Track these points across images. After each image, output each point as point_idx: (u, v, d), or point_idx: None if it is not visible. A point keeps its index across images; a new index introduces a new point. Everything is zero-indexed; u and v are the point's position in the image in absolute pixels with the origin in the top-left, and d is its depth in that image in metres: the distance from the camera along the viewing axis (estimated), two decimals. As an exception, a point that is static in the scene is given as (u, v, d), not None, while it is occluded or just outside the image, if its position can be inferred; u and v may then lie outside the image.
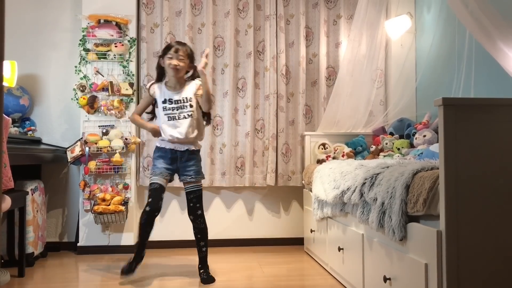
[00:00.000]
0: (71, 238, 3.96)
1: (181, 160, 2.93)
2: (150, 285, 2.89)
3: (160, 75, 2.99)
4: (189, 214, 2.95)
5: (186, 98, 2.91)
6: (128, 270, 2.88)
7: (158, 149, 2.98)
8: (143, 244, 2.94)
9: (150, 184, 2.92)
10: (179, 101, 2.91)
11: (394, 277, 2.08)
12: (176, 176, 3.01)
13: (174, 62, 2.86)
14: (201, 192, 2.96)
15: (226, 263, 3.41)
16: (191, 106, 2.90)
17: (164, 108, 2.92)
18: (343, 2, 4.14)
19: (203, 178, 3.02)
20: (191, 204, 2.93)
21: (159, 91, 2.96)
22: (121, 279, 2.90)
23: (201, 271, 2.97)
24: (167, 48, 2.92)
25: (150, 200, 2.87)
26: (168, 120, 2.90)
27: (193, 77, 2.98)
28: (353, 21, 3.92)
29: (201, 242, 2.97)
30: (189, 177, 2.92)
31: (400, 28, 3.94)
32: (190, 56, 2.95)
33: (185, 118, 2.89)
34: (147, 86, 3.05)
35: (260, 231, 4.11)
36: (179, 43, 2.99)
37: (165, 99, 2.92)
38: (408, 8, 4.01)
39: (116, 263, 3.32)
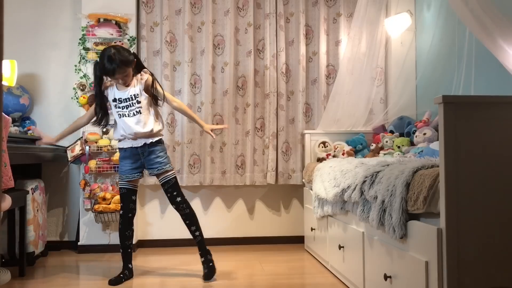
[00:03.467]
0: (71, 237, 3.96)
1: (144, 155, 2.95)
2: (149, 284, 2.89)
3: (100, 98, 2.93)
4: (171, 203, 2.99)
5: (134, 95, 2.88)
6: (116, 282, 2.87)
7: (120, 149, 3.02)
8: (126, 251, 2.98)
9: (119, 188, 3.02)
10: (127, 100, 2.89)
11: (394, 275, 2.09)
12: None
13: (120, 82, 2.86)
14: (175, 180, 2.97)
15: (227, 262, 3.41)
16: (138, 102, 2.88)
17: (115, 106, 2.92)
18: (343, 0, 4.13)
19: (170, 167, 2.97)
20: (169, 194, 2.96)
21: (110, 91, 2.94)
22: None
23: (202, 259, 2.97)
24: (103, 73, 2.84)
25: (121, 204, 3.01)
26: (119, 117, 2.92)
27: (138, 70, 2.92)
28: (353, 19, 3.92)
29: (192, 227, 2.98)
30: (155, 170, 2.94)
31: (400, 26, 3.94)
32: (127, 63, 2.80)
33: (134, 115, 2.88)
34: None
35: (261, 230, 4.11)
36: (109, 63, 2.76)
37: (114, 98, 2.91)
38: (408, 6, 4.01)
39: (117, 262, 3.32)
